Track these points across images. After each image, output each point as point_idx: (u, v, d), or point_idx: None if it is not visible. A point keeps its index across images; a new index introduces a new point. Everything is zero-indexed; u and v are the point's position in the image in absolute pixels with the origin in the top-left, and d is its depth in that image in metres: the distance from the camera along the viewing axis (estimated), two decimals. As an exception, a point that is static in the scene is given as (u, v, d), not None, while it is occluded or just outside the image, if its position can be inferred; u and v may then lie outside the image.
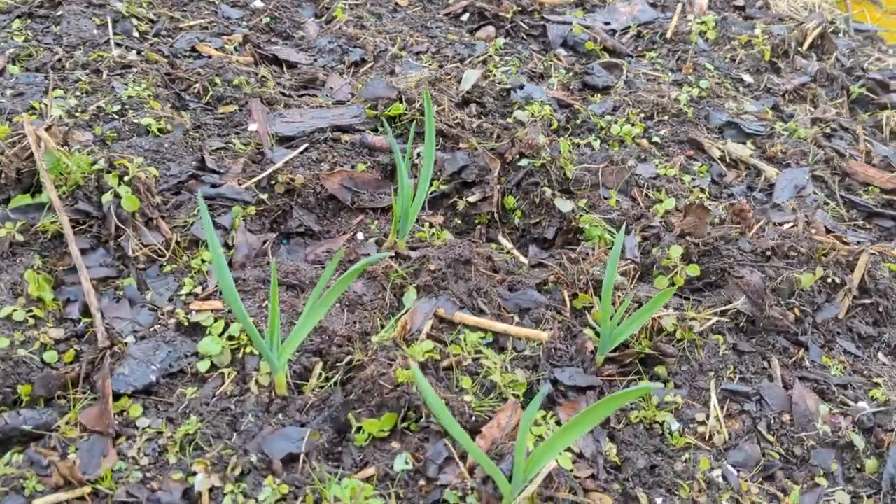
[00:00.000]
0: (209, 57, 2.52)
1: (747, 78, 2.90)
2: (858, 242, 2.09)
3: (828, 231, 2.11)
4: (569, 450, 1.52)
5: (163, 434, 1.48)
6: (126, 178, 1.80)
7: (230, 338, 1.68)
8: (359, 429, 1.53)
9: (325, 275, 1.47)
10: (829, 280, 1.94)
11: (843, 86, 2.95)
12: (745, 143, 2.49)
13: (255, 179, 2.03)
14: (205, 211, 1.37)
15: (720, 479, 1.54)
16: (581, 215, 2.03)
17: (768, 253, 1.93)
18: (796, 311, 1.88)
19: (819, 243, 2.00)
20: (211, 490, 1.38)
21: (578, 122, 2.51)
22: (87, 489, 1.36)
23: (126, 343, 1.64)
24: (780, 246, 1.95)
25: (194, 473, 1.40)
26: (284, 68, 2.66)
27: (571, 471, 1.47)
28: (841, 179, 2.42)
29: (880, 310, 1.96)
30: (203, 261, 1.84)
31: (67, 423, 1.49)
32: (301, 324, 1.53)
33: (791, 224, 2.13)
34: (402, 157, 1.84)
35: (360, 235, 2.01)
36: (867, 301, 1.97)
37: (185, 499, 1.37)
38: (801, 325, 1.87)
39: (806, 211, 2.17)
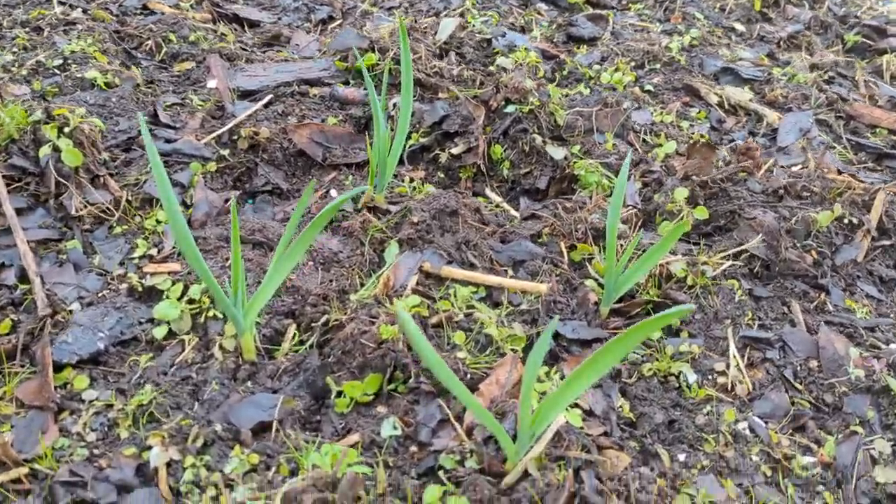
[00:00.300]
0: (162, 14, 2.32)
1: (739, 27, 2.75)
2: (872, 183, 1.94)
3: (839, 172, 1.96)
4: (577, 406, 1.35)
5: (113, 407, 1.29)
6: (66, 130, 1.60)
7: (190, 301, 1.48)
8: (339, 393, 1.35)
9: (292, 222, 1.28)
10: (846, 220, 1.78)
11: (838, 34, 2.81)
12: (742, 89, 2.33)
13: (214, 134, 1.83)
14: (152, 151, 1.17)
15: (747, 432, 1.37)
16: (575, 162, 1.86)
17: (780, 192, 1.77)
18: (813, 253, 1.72)
19: (832, 182, 1.84)
20: (169, 465, 1.18)
21: (565, 73, 2.34)
22: (24, 470, 1.17)
23: (70, 311, 1.44)
24: (793, 185, 1.79)
25: (149, 448, 1.21)
26: (246, 27, 2.46)
27: (582, 428, 1.30)
28: (846, 123, 2.27)
29: (901, 251, 1.81)
30: (158, 221, 1.65)
31: (2, 399, 1.29)
32: (269, 278, 1.34)
33: (800, 166, 1.97)
34: (377, 100, 1.65)
35: (333, 192, 1.82)
36: (887, 242, 1.81)
37: (139, 475, 1.18)
38: (820, 268, 1.71)
39: (814, 153, 2.01)
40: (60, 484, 1.14)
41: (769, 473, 1.32)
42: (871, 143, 2.18)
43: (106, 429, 1.25)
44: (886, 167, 2.13)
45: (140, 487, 1.16)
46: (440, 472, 1.21)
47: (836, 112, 2.29)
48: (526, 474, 1.20)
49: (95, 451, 1.21)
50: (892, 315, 1.67)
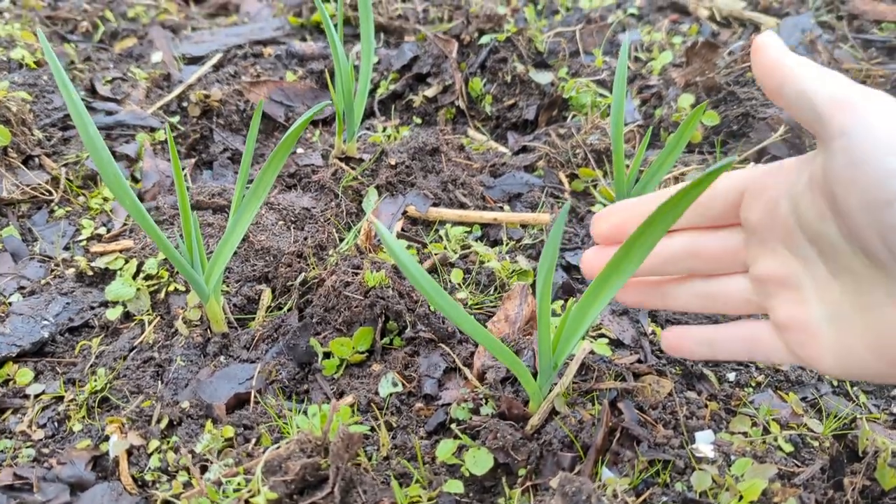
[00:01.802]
0: (98, -5, 2.14)
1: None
2: (892, 70, 1.76)
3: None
4: (602, 336, 1.16)
5: (63, 399, 1.09)
6: (-11, 107, 1.41)
7: (147, 277, 1.30)
8: (326, 355, 1.16)
9: (247, 152, 1.10)
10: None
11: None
12: None
13: (162, 102, 1.65)
14: (74, 104, 0.97)
15: (802, 342, 1.18)
16: (563, 84, 1.67)
17: (795, 87, 1.58)
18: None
19: (848, 73, 1.66)
20: (130, 453, 0.99)
21: (539, 7, 2.16)
22: (-44, 482, 0.97)
23: (9, 303, 1.25)
24: (806, 79, 1.61)
25: (107, 438, 1.02)
26: (191, 1, 2.28)
27: (612, 358, 1.11)
28: (849, 22, 2.10)
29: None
30: (105, 199, 1.46)
31: (-70, 407, 1.10)
32: (229, 229, 1.15)
33: (809, 64, 1.79)
34: (336, 41, 1.47)
35: (300, 150, 1.63)
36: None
37: (97, 469, 0.99)
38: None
39: (824, 48, 1.83)
40: (1, 490, 0.94)
41: (835, 383, 1.13)
42: (879, 37, 2.00)
43: (56, 424, 1.06)
44: (900, 60, 1.95)
45: (97, 483, 0.97)
46: (453, 426, 1.02)
47: (836, 13, 2.11)
48: (554, 413, 1.01)
49: (44, 451, 1.01)
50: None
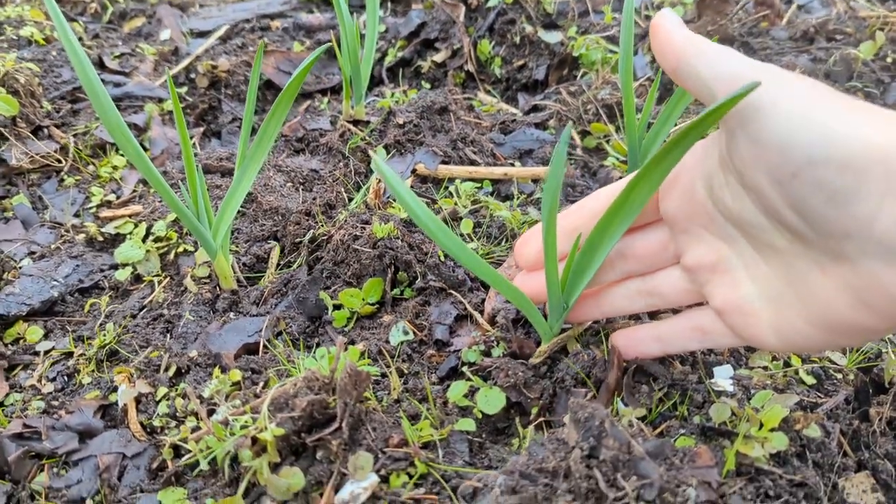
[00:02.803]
0: (106, -22, 2.15)
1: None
2: (910, 20, 1.71)
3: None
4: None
5: (73, 354, 1.09)
6: (-3, 79, 1.42)
7: (157, 240, 1.29)
8: (337, 307, 1.14)
9: (248, 105, 1.09)
10: (890, 59, 1.56)
11: None
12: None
13: (170, 73, 1.64)
14: (84, 68, 0.96)
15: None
16: (573, 43, 1.65)
17: (811, 35, 1.55)
18: (860, 95, 1.50)
19: (866, 21, 1.62)
20: (139, 401, 0.99)
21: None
22: (-35, 433, 0.97)
23: (20, 267, 1.25)
24: (822, 26, 1.57)
25: (115, 389, 1.01)
26: (200, -17, 2.28)
27: (626, 300, 1.08)
28: (865, -23, 2.05)
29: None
30: (115, 167, 1.46)
31: (-59, 366, 1.10)
32: (237, 180, 1.14)
33: (827, 16, 1.75)
34: (342, 5, 1.45)
35: (308, 116, 1.62)
36: (940, 77, 1.59)
37: (105, 418, 0.98)
38: (870, 111, 1.49)
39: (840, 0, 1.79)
40: (10, 438, 0.94)
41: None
42: (897, -11, 1.95)
43: (66, 378, 1.06)
44: (919, 11, 1.90)
45: (106, 430, 0.96)
46: (464, 370, 1.00)
47: (851, -32, 2.07)
48: (565, 352, 0.99)
49: (54, 403, 1.01)
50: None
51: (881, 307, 0.59)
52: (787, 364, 0.98)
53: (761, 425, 0.85)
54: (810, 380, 0.95)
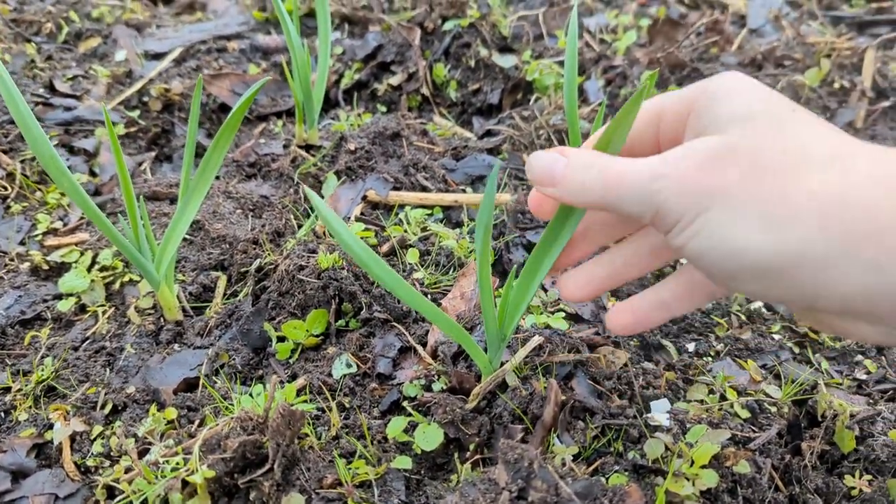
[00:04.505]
0: (63, -3, 2.13)
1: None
2: (859, 43, 1.74)
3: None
4: (561, 311, 1.14)
5: (10, 390, 1.08)
6: (-59, 103, 1.40)
7: (103, 269, 1.28)
8: (280, 339, 1.14)
9: (190, 133, 1.08)
10: (837, 85, 1.58)
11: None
12: (701, -16, 2.15)
13: (122, 96, 1.63)
14: (13, 99, 0.95)
15: (763, 310, 1.16)
16: (527, 67, 1.66)
17: (759, 61, 1.57)
18: (807, 121, 1.52)
19: (814, 47, 1.65)
20: (74, 439, 0.97)
21: (506, -4, 2.15)
22: None
23: (-39, 298, 1.23)
24: (771, 53, 1.59)
25: (51, 426, 1.00)
26: (159, 3, 2.26)
27: (569, 332, 1.09)
28: (818, 0, 2.08)
29: (903, 110, 1.61)
30: (62, 193, 1.44)
31: None
32: (180, 210, 1.13)
33: (776, 41, 1.78)
34: (290, 27, 1.45)
35: (261, 141, 1.62)
36: (886, 104, 1.62)
37: (39, 457, 0.97)
38: (817, 137, 1.51)
39: (790, 25, 1.82)
40: (-65, 482, 0.92)
41: (797, 350, 1.11)
42: (849, 13, 1.98)
43: (2, 414, 1.04)
44: (870, 35, 1.93)
45: (39, 470, 0.95)
46: (405, 404, 1.00)
47: (805, -9, 2.10)
48: (505, 386, 0.99)
49: (-12, 442, 0.99)
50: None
51: None
52: (723, 398, 0.99)
53: (692, 462, 0.86)
54: (745, 413, 0.96)
